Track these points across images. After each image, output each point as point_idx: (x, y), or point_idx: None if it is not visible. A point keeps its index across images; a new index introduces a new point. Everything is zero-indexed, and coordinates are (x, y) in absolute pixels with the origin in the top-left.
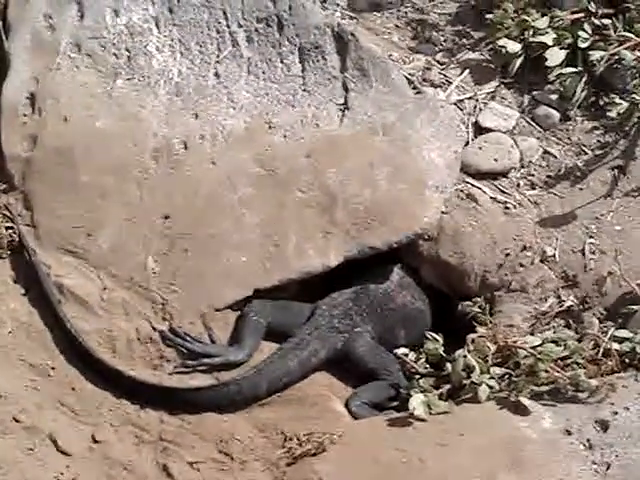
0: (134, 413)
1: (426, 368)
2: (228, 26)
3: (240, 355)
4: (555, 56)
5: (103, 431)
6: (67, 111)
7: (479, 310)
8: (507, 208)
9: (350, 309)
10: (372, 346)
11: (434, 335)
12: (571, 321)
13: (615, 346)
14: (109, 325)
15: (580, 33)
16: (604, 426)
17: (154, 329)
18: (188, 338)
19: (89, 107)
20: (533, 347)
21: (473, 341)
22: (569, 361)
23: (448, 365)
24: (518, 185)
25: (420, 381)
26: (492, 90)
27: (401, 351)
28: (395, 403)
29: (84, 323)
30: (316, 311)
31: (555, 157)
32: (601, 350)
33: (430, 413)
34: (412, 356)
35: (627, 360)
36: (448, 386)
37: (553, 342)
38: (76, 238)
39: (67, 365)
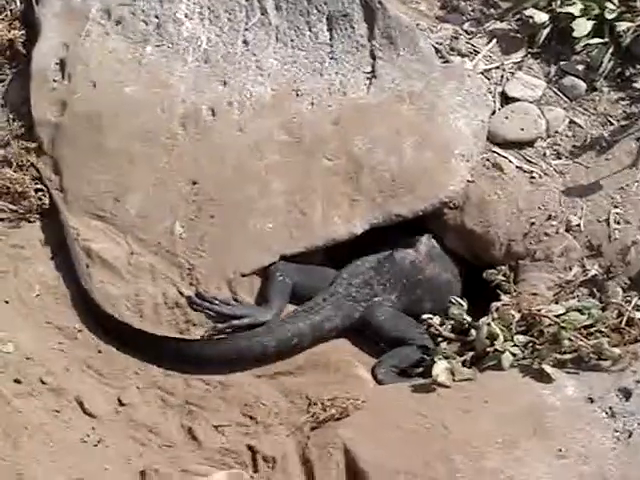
0: (160, 376)
1: (451, 333)
2: None
3: (268, 315)
4: (582, 27)
5: (129, 394)
6: (96, 77)
7: (503, 278)
8: (533, 177)
9: (371, 278)
10: (392, 314)
11: (459, 300)
12: (595, 290)
13: (638, 315)
14: (136, 290)
15: (607, 4)
16: (627, 394)
17: (181, 294)
18: (216, 301)
19: (118, 73)
20: (557, 315)
21: (497, 309)
22: (592, 330)
23: (472, 332)
24: (544, 154)
25: (443, 347)
26: (519, 60)
27: (426, 315)
28: (421, 369)
29: (111, 287)
30: (336, 279)
31: (581, 127)
32: (625, 319)
33: (453, 380)
34: (437, 320)
35: None
36: (472, 353)
37: (577, 311)
38: (104, 203)
39: (94, 328)
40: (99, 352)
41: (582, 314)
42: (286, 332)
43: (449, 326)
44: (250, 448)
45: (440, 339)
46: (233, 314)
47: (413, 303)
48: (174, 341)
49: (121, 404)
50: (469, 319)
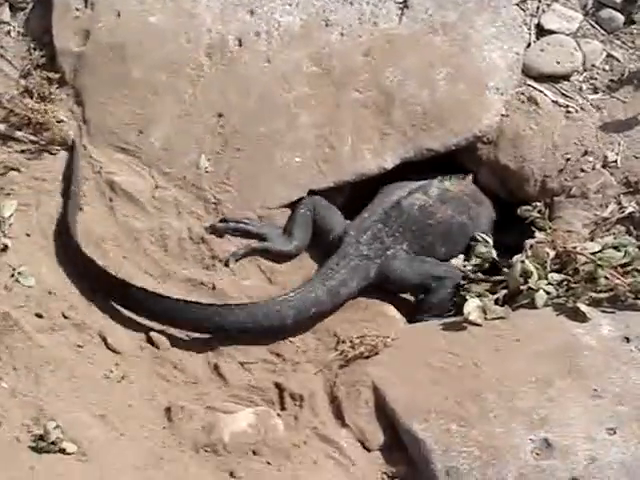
0: None
1: (476, 273)
2: None
3: (289, 246)
4: None
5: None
6: (120, 6)
7: (538, 215)
8: (569, 112)
9: (380, 231)
10: (409, 262)
11: (484, 237)
12: (632, 228)
13: None
14: (160, 224)
15: None
16: None
17: (206, 229)
18: (245, 220)
19: (142, 2)
20: (593, 253)
21: (531, 246)
22: (629, 268)
23: (505, 270)
24: (580, 89)
25: (474, 286)
26: None
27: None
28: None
29: (135, 221)
30: (345, 237)
31: (619, 61)
32: None
33: (485, 318)
34: (461, 261)
35: None
36: (504, 291)
37: (613, 248)
38: (128, 135)
39: (119, 263)
40: None
41: (618, 251)
42: (304, 302)
43: (474, 267)
44: (277, 386)
45: (466, 281)
46: (259, 232)
47: (425, 249)
48: (183, 303)
49: (147, 341)
50: (495, 257)
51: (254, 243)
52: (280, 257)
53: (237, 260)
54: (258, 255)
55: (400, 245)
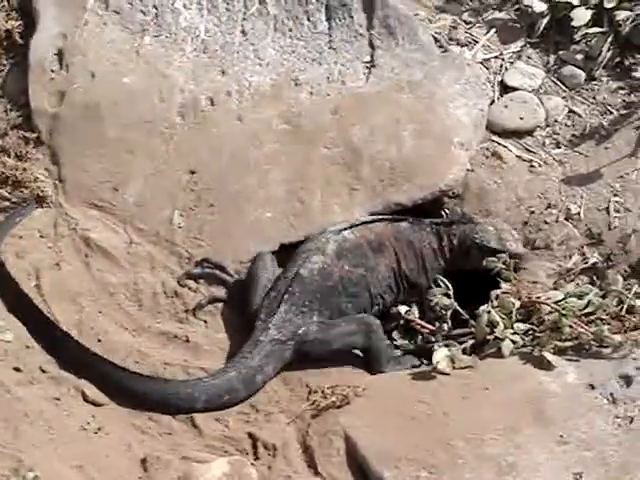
0: (159, 365)
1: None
2: None
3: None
4: (581, 16)
5: None
6: (94, 67)
7: (504, 266)
8: (532, 166)
9: (287, 312)
10: (322, 331)
11: (444, 281)
12: (595, 278)
13: (639, 303)
14: (135, 278)
15: None
16: (627, 381)
17: (180, 281)
18: (221, 266)
19: (116, 63)
20: (556, 302)
21: (497, 297)
22: (593, 317)
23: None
24: (543, 144)
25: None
26: (518, 49)
27: (403, 309)
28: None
29: (110, 276)
30: (256, 321)
31: (580, 116)
32: (625, 306)
33: (454, 367)
34: (416, 313)
35: None
36: (472, 341)
37: (576, 297)
38: (103, 192)
39: (94, 317)
40: (99, 341)
41: (581, 299)
42: (217, 388)
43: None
44: (251, 436)
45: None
46: (226, 286)
47: (334, 311)
48: (106, 364)
49: None
50: (457, 307)
51: (220, 293)
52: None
53: (201, 308)
54: (230, 307)
55: (310, 319)
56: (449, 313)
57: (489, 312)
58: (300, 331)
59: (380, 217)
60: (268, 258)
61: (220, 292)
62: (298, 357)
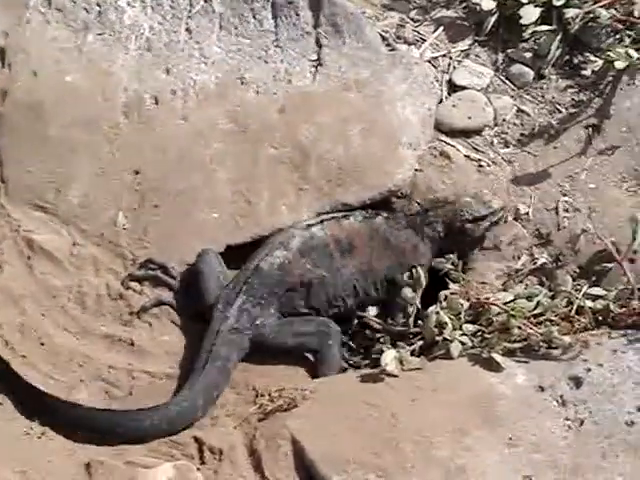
0: (104, 368)
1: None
2: None
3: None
4: (530, 14)
5: (73, 387)
6: (37, 66)
7: (452, 267)
8: (481, 166)
9: (244, 303)
10: (279, 327)
11: (420, 273)
12: (544, 279)
13: (588, 303)
14: (79, 281)
15: None
16: (577, 382)
17: (123, 283)
18: (166, 267)
19: (59, 62)
20: (505, 303)
21: (446, 298)
22: (542, 318)
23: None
24: (492, 143)
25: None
26: (466, 48)
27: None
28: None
29: (53, 279)
30: (214, 312)
31: (529, 115)
32: (574, 307)
33: (402, 369)
34: (373, 313)
35: (600, 317)
36: (420, 342)
37: (525, 298)
38: (46, 193)
39: (37, 320)
40: (42, 344)
41: (530, 300)
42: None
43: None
44: (196, 440)
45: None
46: (172, 286)
47: (291, 307)
48: (58, 402)
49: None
50: (410, 296)
51: (164, 296)
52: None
53: (146, 310)
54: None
55: (267, 311)
56: (412, 308)
57: (437, 313)
58: (258, 322)
59: (353, 212)
60: (213, 254)
61: (165, 294)
62: (255, 348)
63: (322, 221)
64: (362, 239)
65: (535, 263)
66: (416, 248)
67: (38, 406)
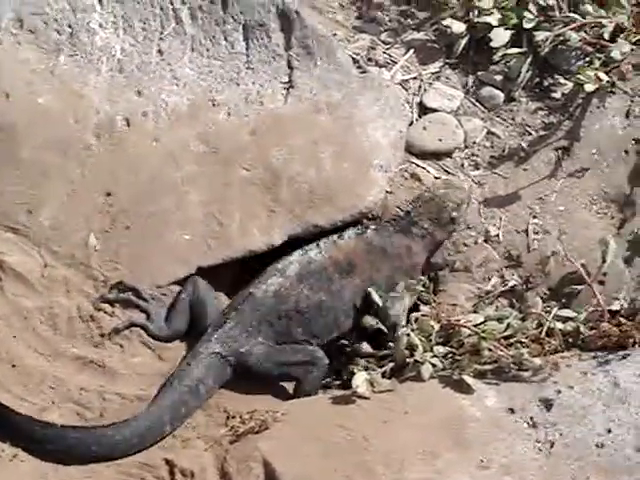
0: (75, 390)
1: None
2: (171, 3)
3: (164, 332)
4: (500, 36)
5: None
6: (9, 87)
7: (423, 289)
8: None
9: (233, 328)
10: (266, 355)
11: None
12: (515, 301)
13: (559, 325)
14: (50, 302)
15: (525, 14)
16: (548, 405)
17: (94, 303)
18: (137, 289)
19: (31, 83)
20: (476, 325)
21: (417, 320)
22: (512, 340)
23: (391, 344)
24: (462, 165)
25: (362, 360)
26: (437, 70)
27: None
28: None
29: (25, 300)
30: (202, 336)
31: (499, 137)
32: (545, 329)
33: (373, 391)
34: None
35: (570, 339)
36: (391, 364)
37: (496, 320)
38: (17, 215)
39: (9, 342)
40: (13, 366)
41: (500, 323)
42: (143, 427)
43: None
44: (167, 462)
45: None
46: (144, 308)
47: (281, 334)
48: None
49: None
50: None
51: (136, 317)
52: (155, 339)
53: (118, 332)
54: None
55: (255, 339)
56: (402, 319)
57: (408, 335)
58: (243, 349)
59: (345, 230)
60: (201, 282)
61: (136, 316)
62: (237, 375)
63: (318, 244)
64: (360, 255)
65: (505, 285)
66: (410, 249)
67: (8, 426)
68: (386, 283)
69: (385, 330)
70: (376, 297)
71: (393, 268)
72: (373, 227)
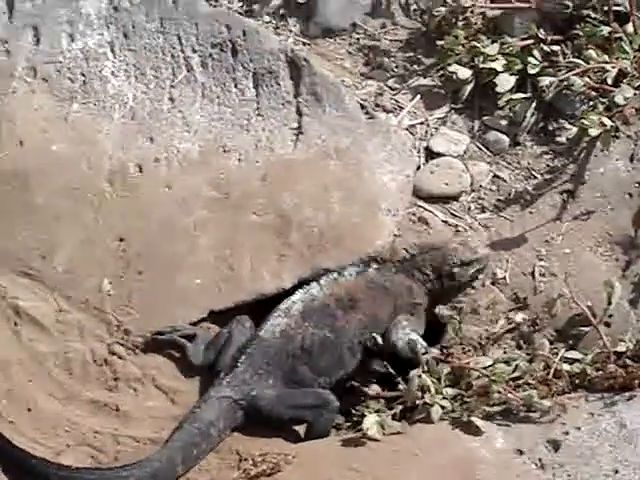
0: (89, 433)
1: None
2: (182, 51)
3: (198, 360)
4: (505, 82)
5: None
6: (22, 135)
7: (453, 316)
8: (458, 231)
9: (243, 373)
10: (276, 398)
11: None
12: (522, 342)
13: (565, 367)
14: (64, 347)
15: (530, 59)
16: (556, 446)
17: (109, 351)
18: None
19: (44, 131)
20: (485, 367)
21: (427, 362)
22: (520, 382)
23: (401, 386)
24: (469, 209)
25: (372, 402)
26: (443, 115)
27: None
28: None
29: (40, 345)
30: (215, 380)
31: (505, 181)
32: (552, 371)
33: (383, 433)
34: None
35: (577, 381)
36: (401, 406)
37: (504, 362)
38: (31, 260)
39: (24, 386)
40: (29, 410)
41: (509, 365)
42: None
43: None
44: None
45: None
46: (189, 332)
47: (291, 375)
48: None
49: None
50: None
51: (179, 337)
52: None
53: (160, 339)
54: (160, 375)
55: (265, 382)
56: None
57: (420, 376)
58: (254, 392)
59: (345, 268)
60: (247, 322)
61: (180, 339)
62: (249, 419)
63: (319, 282)
64: (362, 291)
65: (512, 327)
66: (411, 289)
67: (24, 469)
68: (389, 321)
69: (393, 372)
70: (379, 339)
71: (395, 305)
72: (375, 266)
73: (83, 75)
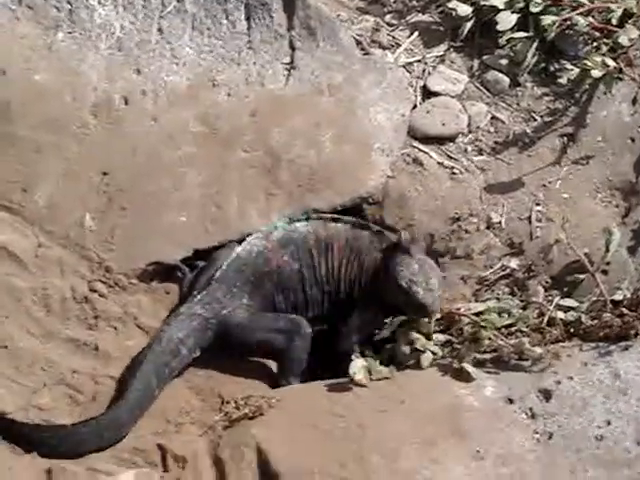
0: (67, 373)
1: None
2: None
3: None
4: (506, 20)
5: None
6: (5, 64)
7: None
8: (454, 173)
9: (216, 290)
10: (248, 318)
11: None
12: (516, 289)
13: (560, 315)
14: (43, 283)
15: None
16: (547, 395)
17: (90, 288)
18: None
19: (28, 60)
20: (476, 314)
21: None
22: (513, 329)
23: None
24: (465, 150)
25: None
26: (441, 53)
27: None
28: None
29: (17, 280)
30: (188, 297)
31: (504, 123)
32: (546, 319)
33: (371, 379)
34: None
35: (572, 329)
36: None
37: (496, 309)
38: (11, 193)
39: (0, 323)
40: (5, 347)
41: (501, 316)
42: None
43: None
44: (160, 447)
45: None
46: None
47: (265, 300)
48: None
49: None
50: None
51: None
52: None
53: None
54: (141, 314)
55: (239, 301)
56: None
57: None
58: (225, 311)
59: (343, 217)
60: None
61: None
62: (219, 340)
63: (307, 218)
64: (339, 243)
65: (507, 272)
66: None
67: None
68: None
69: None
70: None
71: (358, 279)
72: (373, 230)
73: (69, 3)
